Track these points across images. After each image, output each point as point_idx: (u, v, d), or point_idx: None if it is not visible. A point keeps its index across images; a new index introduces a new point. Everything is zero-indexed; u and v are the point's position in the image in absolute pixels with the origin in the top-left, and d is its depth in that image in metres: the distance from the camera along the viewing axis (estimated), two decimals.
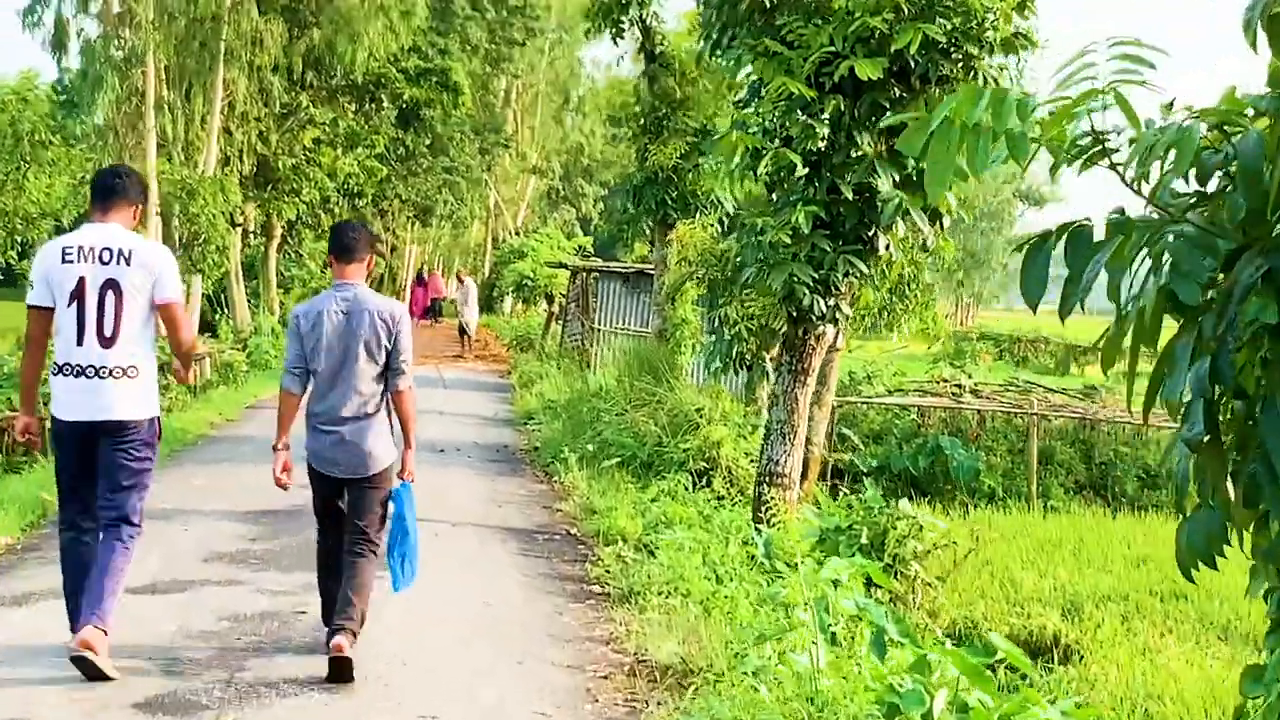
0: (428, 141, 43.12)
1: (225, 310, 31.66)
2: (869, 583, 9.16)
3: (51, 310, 6.59)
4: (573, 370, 23.90)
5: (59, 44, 28.53)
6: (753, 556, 9.78)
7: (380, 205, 44.62)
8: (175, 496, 11.59)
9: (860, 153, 10.60)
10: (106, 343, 6.50)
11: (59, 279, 6.54)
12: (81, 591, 6.52)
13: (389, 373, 6.97)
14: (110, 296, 6.50)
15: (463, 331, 35.46)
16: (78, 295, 6.49)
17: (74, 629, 6.47)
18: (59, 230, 31.76)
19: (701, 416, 13.94)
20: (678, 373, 16.21)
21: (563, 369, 24.30)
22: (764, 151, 10.61)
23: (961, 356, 28.98)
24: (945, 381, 24.80)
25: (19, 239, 22.28)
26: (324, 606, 7.25)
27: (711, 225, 20.13)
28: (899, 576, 10.13)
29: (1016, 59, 10.95)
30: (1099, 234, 3.17)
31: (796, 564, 9.73)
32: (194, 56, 28.67)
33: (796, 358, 11.29)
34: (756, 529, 10.61)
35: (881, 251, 11.04)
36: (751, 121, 10.84)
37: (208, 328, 30.63)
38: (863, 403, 22.53)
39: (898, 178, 10.61)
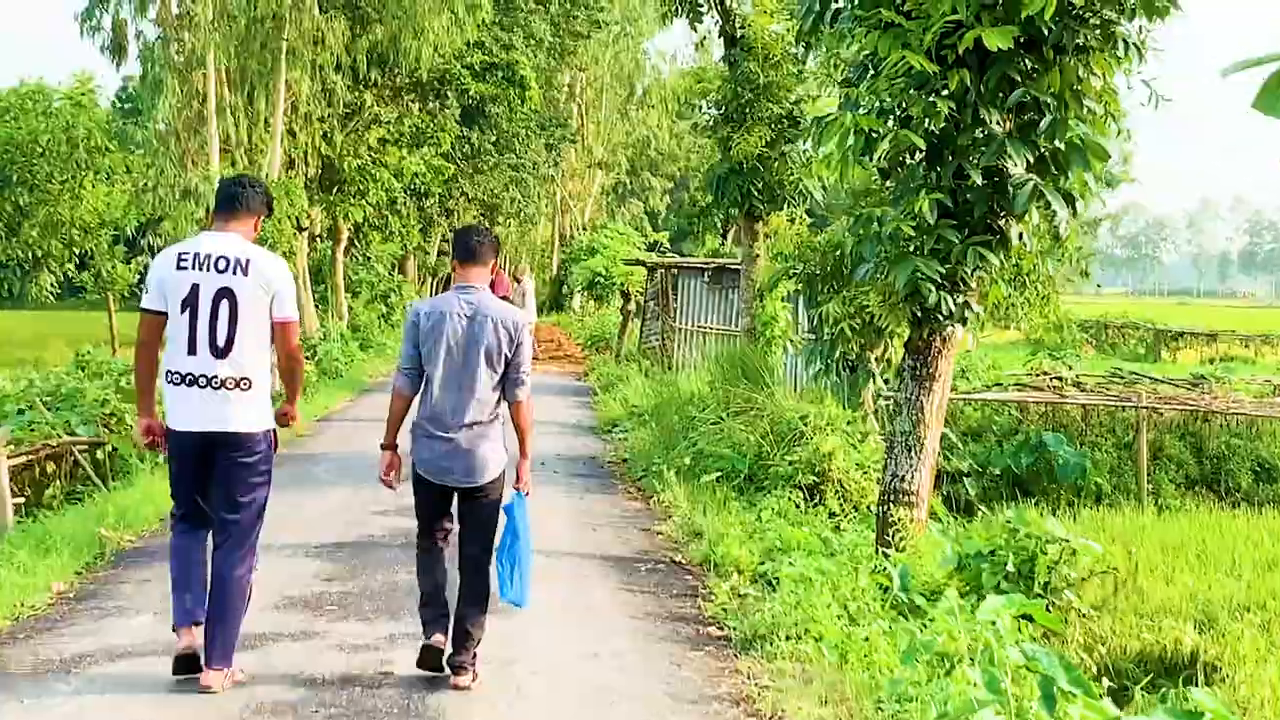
0: (493, 139, 42.44)
1: None
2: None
3: (163, 315, 6.58)
4: (656, 372, 22.87)
5: (117, 48, 27.86)
6: (885, 588, 8.72)
7: (446, 205, 43.95)
8: None
9: (987, 132, 9.49)
10: (220, 353, 6.49)
11: (172, 285, 6.52)
12: (190, 585, 6.71)
13: (506, 382, 6.88)
14: (225, 306, 6.48)
15: None
16: (191, 303, 6.48)
17: (179, 621, 6.71)
18: (117, 241, 31.61)
19: (807, 424, 12.87)
20: (773, 375, 15.12)
21: (644, 371, 23.29)
22: (878, 134, 9.53)
23: (1061, 347, 27.70)
24: (1045, 374, 23.53)
25: (77, 249, 21.69)
26: (424, 604, 7.08)
27: (799, 217, 19.11)
28: (1051, 608, 9.01)
29: (1161, 22, 9.78)
30: None
31: (937, 596, 8.72)
32: (255, 57, 27.93)
33: (921, 362, 10.18)
34: (885, 555, 9.55)
35: (1014, 242, 9.92)
36: (864, 101, 9.73)
37: None
38: (961, 399, 21.34)
39: (1031, 159, 9.48)
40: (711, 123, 19.31)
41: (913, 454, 10.11)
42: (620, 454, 16.19)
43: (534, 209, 51.19)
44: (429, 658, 6.89)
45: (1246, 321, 66.87)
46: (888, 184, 10.68)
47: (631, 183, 66.15)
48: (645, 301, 29.02)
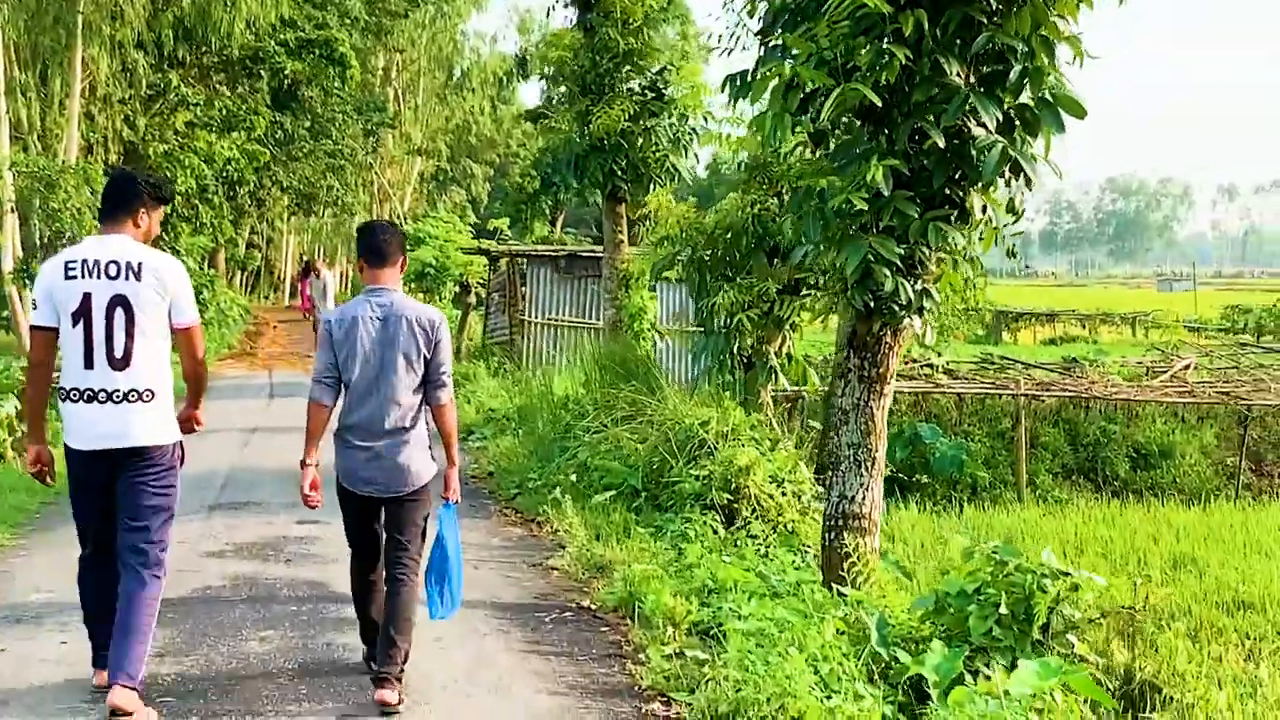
0: (307, 124, 40.14)
1: None
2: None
3: (56, 331, 6.22)
4: (508, 370, 20.98)
5: None
6: (855, 640, 7.12)
7: (257, 194, 41.54)
8: (55, 580, 8.66)
9: (946, 85, 7.94)
10: (118, 364, 6.14)
11: (62, 297, 6.17)
12: (103, 618, 6.35)
13: (428, 384, 6.62)
14: (120, 314, 6.13)
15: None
16: (84, 313, 6.14)
17: (96, 662, 6.47)
18: None
19: (708, 431, 11.21)
20: (658, 374, 13.45)
21: (494, 369, 21.37)
22: (820, 89, 7.92)
23: (985, 339, 26.52)
24: (914, 362, 22.30)
25: None
26: (363, 629, 7.03)
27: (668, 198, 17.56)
28: (1053, 654, 7.52)
29: None
30: None
31: (921, 648, 7.15)
32: (48, 33, 25.35)
33: (871, 361, 8.58)
34: (840, 594, 7.95)
35: (976, 215, 8.39)
36: (799, 49, 8.07)
37: None
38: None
39: (999, 117, 7.95)
40: (566, 96, 17.59)
41: (863, 470, 8.57)
42: (484, 467, 14.33)
43: (352, 198, 48.88)
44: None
45: (1051, 299, 67.81)
46: (815, 152, 9.05)
47: (452, 169, 63.98)
48: (489, 293, 27.09)
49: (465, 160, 64.28)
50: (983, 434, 20.40)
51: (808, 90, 8.07)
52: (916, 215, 7.98)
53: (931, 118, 7.93)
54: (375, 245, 6.68)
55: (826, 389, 14.29)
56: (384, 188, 58.31)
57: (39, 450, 6.53)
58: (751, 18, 9.10)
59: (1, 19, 23.56)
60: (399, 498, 6.63)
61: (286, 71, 33.34)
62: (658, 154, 17.10)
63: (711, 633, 7.50)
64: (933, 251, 8.25)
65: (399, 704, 6.28)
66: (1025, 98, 8.02)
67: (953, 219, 8.19)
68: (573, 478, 11.52)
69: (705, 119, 17.45)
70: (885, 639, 7.05)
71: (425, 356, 6.55)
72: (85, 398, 6.15)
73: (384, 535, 6.77)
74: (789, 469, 10.84)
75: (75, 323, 6.15)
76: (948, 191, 8.20)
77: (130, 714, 5.91)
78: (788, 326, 12.49)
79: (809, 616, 7.39)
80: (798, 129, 8.57)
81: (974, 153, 8.03)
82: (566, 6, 17.56)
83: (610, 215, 17.66)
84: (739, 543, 9.67)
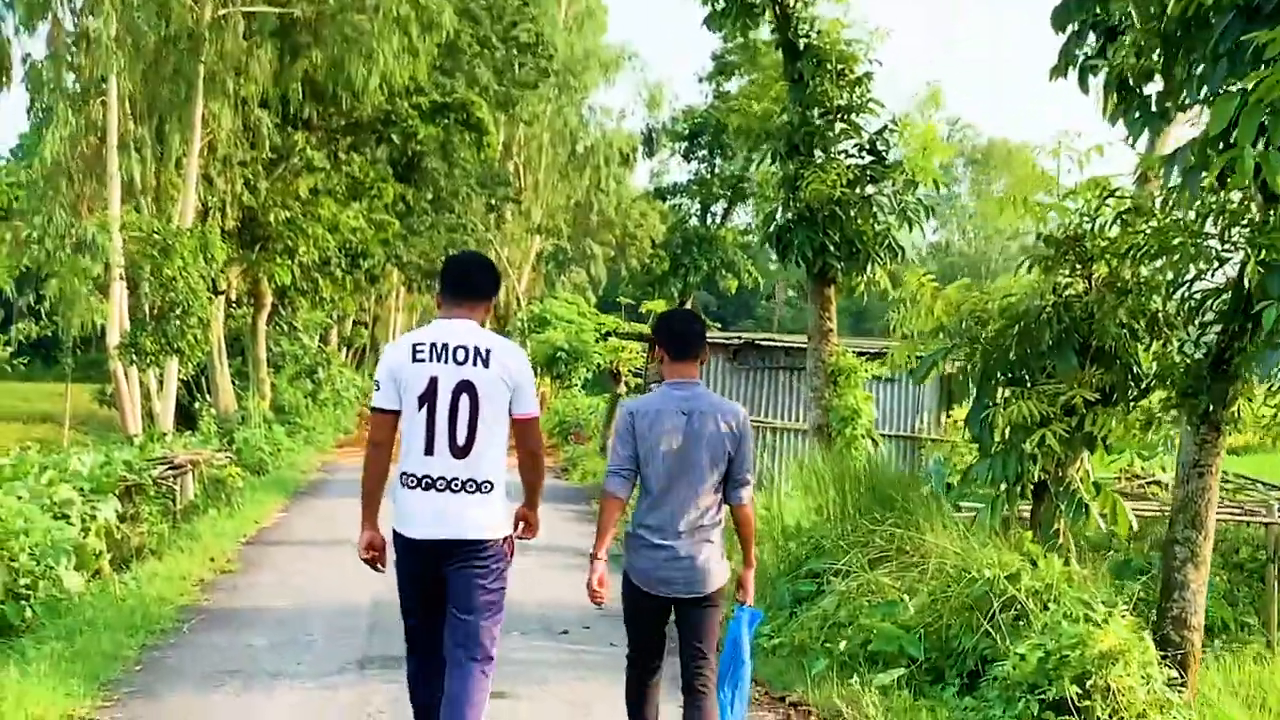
0: (429, 196, 37.97)
1: (206, 396, 25.85)
2: None
3: (397, 414, 5.99)
4: None
5: None
6: None
7: (371, 270, 39.47)
8: None
9: None
10: (460, 452, 5.93)
11: (408, 379, 5.96)
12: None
13: (729, 483, 6.17)
14: (465, 401, 5.95)
15: None
16: (428, 398, 5.95)
17: None
18: None
19: (1017, 586, 8.34)
20: (924, 499, 10.59)
21: None
22: None
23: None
24: (1136, 478, 19.19)
25: None
26: None
27: (881, 280, 14.82)
28: None
29: None
30: None
31: None
32: (167, 84, 23.34)
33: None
34: None
35: None
36: None
37: (186, 418, 24.87)
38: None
39: None
40: (770, 155, 14.91)
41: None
42: None
43: None
44: None
45: None
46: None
47: (572, 249, 61.77)
48: (647, 384, 24.35)
49: (586, 240, 62.05)
50: (1215, 566, 17.26)
51: None
52: None
53: None
54: (684, 335, 6.33)
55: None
56: (504, 265, 56.20)
57: (372, 536, 6.19)
58: None
59: (117, 66, 21.53)
60: (697, 599, 6.19)
61: (419, 137, 31.14)
62: (878, 227, 14.38)
63: None
64: None
65: None
66: None
67: None
68: (841, 646, 8.65)
69: (936, 186, 14.74)
70: None
71: (729, 454, 6.14)
72: (424, 485, 5.96)
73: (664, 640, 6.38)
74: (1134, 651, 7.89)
75: (420, 407, 5.95)
76: None
77: None
78: (1100, 445, 9.63)
79: None
80: None
81: None
82: (770, 52, 14.89)
83: (817, 298, 14.87)
84: None
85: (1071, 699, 7.31)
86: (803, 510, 11.64)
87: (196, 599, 11.20)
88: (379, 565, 6.20)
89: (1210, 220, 8.62)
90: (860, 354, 16.70)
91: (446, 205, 40.02)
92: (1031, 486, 9.99)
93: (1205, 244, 8.59)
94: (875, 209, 14.38)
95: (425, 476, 5.93)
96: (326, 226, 28.12)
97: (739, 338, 21.15)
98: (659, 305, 32.07)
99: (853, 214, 14.29)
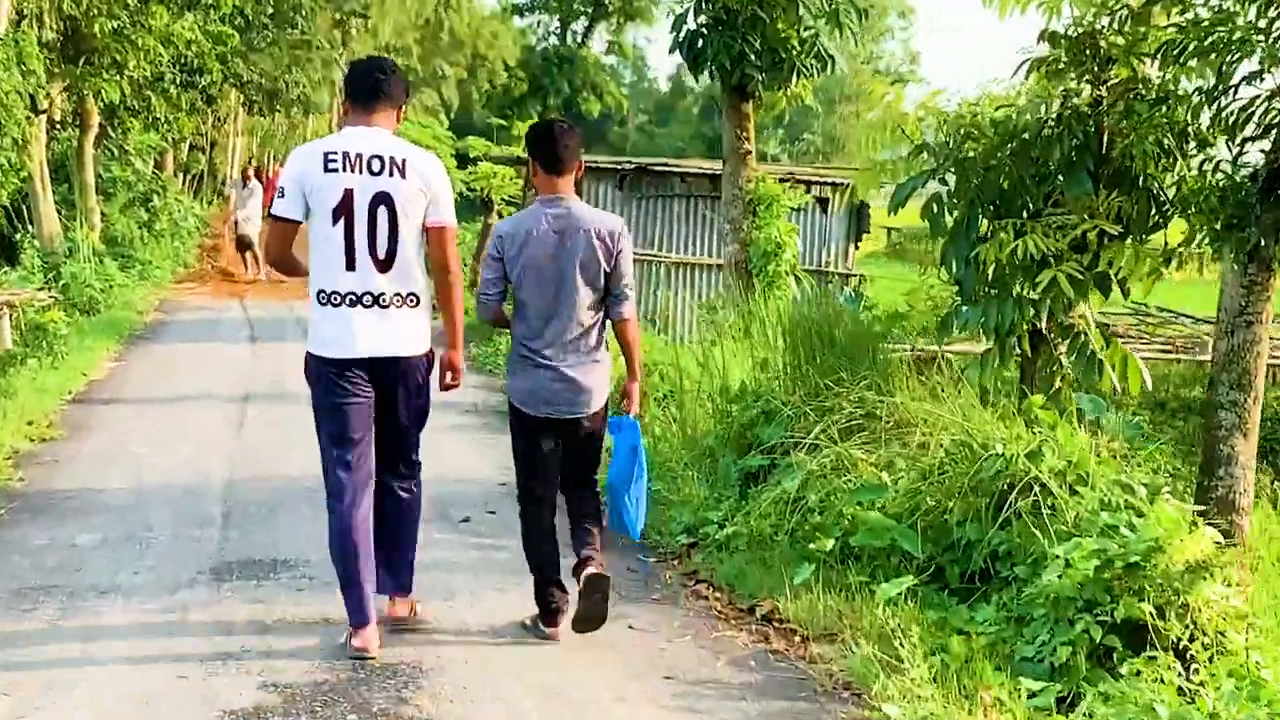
0: (269, 10, 35.22)
1: (27, 227, 23.24)
2: None
3: (298, 225, 5.76)
4: None
5: None
6: None
7: (210, 88, 36.65)
8: None
9: None
10: (383, 266, 5.70)
11: (318, 189, 5.63)
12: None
13: (610, 299, 6.11)
14: (383, 213, 5.67)
15: (245, 247, 26.78)
16: (344, 211, 5.63)
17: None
18: None
19: (1039, 465, 6.77)
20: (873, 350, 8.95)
21: None
22: None
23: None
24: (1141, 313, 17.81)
25: None
26: (543, 577, 6.25)
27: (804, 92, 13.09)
28: None
29: None
30: None
31: None
32: None
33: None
34: None
35: None
36: None
37: (6, 250, 22.37)
38: None
39: None
40: None
41: None
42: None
43: (318, 97, 44.04)
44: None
45: None
46: None
47: (422, 70, 58.94)
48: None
49: (436, 61, 59.29)
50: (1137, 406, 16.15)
51: None
52: None
53: None
54: (554, 150, 6.02)
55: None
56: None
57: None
58: None
59: None
60: (580, 419, 6.12)
61: None
62: (804, 32, 12.55)
63: None
64: None
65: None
66: None
67: None
68: (828, 546, 6.99)
69: None
70: None
71: (606, 270, 6.01)
72: (349, 301, 5.68)
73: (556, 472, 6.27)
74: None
75: (335, 220, 5.65)
76: None
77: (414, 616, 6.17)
78: (1116, 286, 8.08)
79: None
80: None
81: None
82: None
83: (734, 115, 12.98)
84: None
85: (1150, 622, 5.72)
86: (744, 366, 9.87)
87: (8, 479, 9.10)
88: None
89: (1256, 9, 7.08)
90: (783, 180, 14.92)
91: (288, 19, 37.50)
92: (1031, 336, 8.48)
93: (1258, 39, 7.02)
94: (803, 9, 12.54)
95: (350, 293, 5.69)
96: (159, 38, 25.37)
97: (629, 162, 19.20)
98: (523, 126, 29.88)
99: (776, 16, 12.45)
